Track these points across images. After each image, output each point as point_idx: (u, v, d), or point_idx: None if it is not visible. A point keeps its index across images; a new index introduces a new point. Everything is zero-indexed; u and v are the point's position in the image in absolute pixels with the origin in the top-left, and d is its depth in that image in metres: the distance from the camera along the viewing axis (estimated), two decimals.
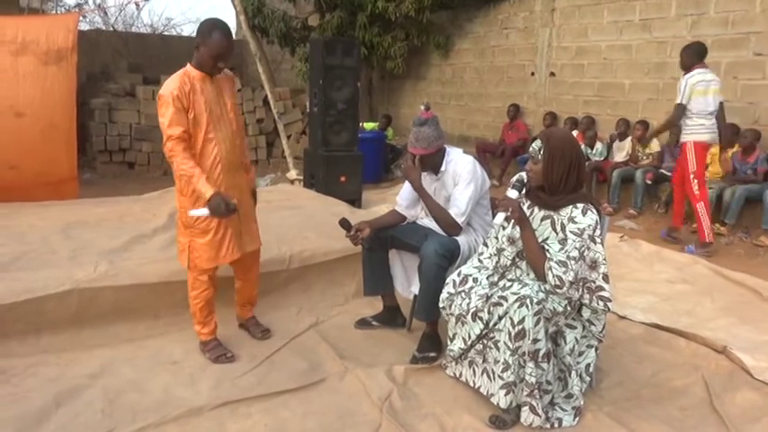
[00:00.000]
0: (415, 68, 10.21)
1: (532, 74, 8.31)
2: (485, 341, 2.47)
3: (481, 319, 2.45)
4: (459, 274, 2.66)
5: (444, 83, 9.97)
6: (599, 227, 2.40)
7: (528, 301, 2.28)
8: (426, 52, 9.98)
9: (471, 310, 2.48)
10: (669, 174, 6.22)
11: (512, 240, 2.57)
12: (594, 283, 2.41)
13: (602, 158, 6.87)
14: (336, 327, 3.33)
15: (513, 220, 2.49)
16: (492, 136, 8.68)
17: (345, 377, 2.73)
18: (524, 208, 2.53)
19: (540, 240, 2.43)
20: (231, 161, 2.79)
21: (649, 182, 6.18)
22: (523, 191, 2.52)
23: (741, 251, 5.12)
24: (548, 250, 2.40)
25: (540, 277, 2.40)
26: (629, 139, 6.76)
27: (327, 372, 2.79)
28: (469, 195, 2.92)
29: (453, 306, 2.58)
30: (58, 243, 3.61)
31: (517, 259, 2.56)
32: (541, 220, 2.48)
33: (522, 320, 2.29)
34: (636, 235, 5.56)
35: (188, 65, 2.71)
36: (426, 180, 3.09)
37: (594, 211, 2.40)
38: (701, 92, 4.89)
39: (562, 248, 2.37)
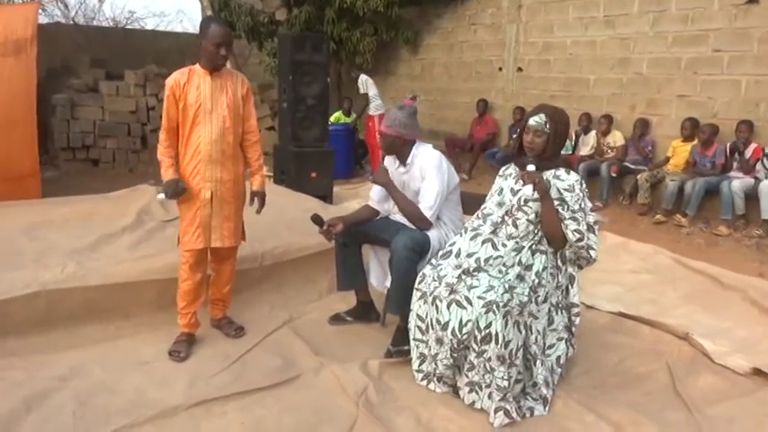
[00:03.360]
0: (384, 63, 10.22)
1: (500, 69, 8.42)
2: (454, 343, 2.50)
3: (437, 308, 2.49)
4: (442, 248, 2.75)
5: (413, 78, 10.01)
6: (584, 184, 2.59)
7: (494, 306, 2.34)
8: (395, 47, 10.01)
9: (434, 294, 2.52)
10: (633, 167, 6.40)
11: (500, 204, 2.66)
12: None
13: (569, 153, 7.01)
14: (310, 323, 3.34)
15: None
16: (461, 131, 8.77)
17: (320, 373, 2.75)
18: (510, 172, 2.72)
19: (525, 197, 2.56)
20: (213, 155, 2.85)
21: (614, 174, 6.35)
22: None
23: (701, 241, 5.31)
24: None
25: (558, 241, 2.56)
26: (593, 132, 6.92)
27: (302, 368, 2.80)
28: (437, 189, 2.95)
29: (423, 283, 2.61)
30: (22, 244, 3.53)
31: (506, 217, 2.61)
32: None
33: (488, 325, 2.35)
34: (602, 227, 5.69)
35: (197, 64, 2.89)
36: (395, 173, 3.13)
37: (576, 173, 2.59)
38: None
39: (563, 209, 2.51)
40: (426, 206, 2.96)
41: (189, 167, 2.86)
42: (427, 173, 2.98)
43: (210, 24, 2.83)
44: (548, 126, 2.55)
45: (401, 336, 2.99)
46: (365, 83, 8.20)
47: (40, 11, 8.79)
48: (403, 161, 3.07)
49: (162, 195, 2.93)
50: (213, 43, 2.77)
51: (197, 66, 2.87)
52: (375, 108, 8.13)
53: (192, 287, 2.94)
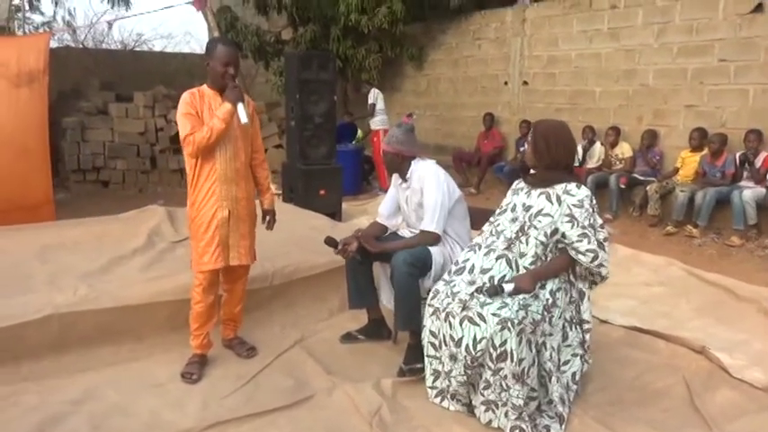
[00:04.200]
0: (390, 80, 10.29)
1: (506, 83, 8.45)
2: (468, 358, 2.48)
3: (450, 324, 2.47)
4: (456, 263, 2.73)
5: (419, 94, 10.06)
6: (594, 199, 2.57)
7: (509, 324, 2.32)
8: (400, 64, 10.08)
9: (447, 310, 2.50)
10: (642, 178, 6.38)
11: (514, 220, 2.64)
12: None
13: (576, 165, 7.00)
14: (322, 342, 3.33)
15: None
16: (468, 145, 8.78)
17: (333, 393, 2.73)
18: (521, 186, 2.71)
19: (536, 211, 2.55)
20: (228, 174, 2.88)
21: (623, 186, 6.33)
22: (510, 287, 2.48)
23: (713, 252, 5.26)
24: (566, 242, 2.52)
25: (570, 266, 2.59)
26: (598, 144, 6.91)
27: (315, 388, 2.79)
28: (436, 201, 2.98)
29: (436, 299, 2.60)
30: (34, 267, 3.55)
31: (519, 233, 2.59)
32: (538, 196, 2.60)
33: (504, 343, 2.33)
34: (612, 239, 5.66)
35: (203, 85, 2.91)
36: (399, 189, 3.23)
37: (587, 188, 2.57)
38: None
39: (573, 226, 2.48)
40: (428, 221, 2.99)
41: (204, 188, 2.86)
42: (425, 186, 3.03)
43: (218, 45, 2.87)
44: (530, 135, 2.64)
45: (412, 353, 2.98)
46: (376, 96, 8.26)
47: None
48: (404, 177, 3.15)
49: (241, 112, 2.79)
50: (221, 63, 2.80)
51: (204, 87, 2.90)
52: (380, 122, 8.17)
53: (205, 309, 2.94)
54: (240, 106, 2.80)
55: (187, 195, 2.94)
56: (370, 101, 8.31)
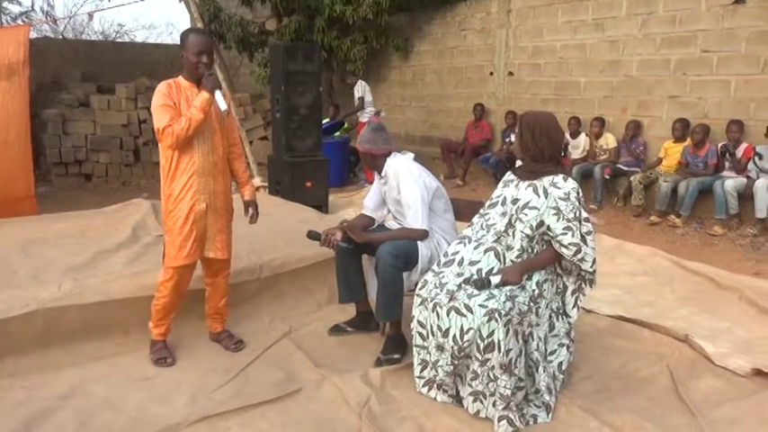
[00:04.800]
0: (375, 71, 10.25)
1: (491, 74, 8.46)
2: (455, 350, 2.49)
3: (438, 314, 2.48)
4: (446, 255, 2.73)
5: (405, 84, 10.04)
6: (580, 192, 2.58)
7: (496, 315, 2.34)
8: (386, 54, 10.04)
9: (434, 300, 2.51)
10: (626, 168, 6.44)
11: (503, 214, 2.64)
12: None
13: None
14: (310, 334, 3.33)
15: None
16: (454, 136, 8.79)
17: (322, 385, 2.74)
18: (511, 179, 2.71)
19: (523, 204, 2.56)
20: (206, 167, 2.85)
21: (607, 176, 6.39)
22: (497, 279, 2.51)
23: (696, 241, 5.34)
24: (551, 235, 2.52)
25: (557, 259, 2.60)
26: (583, 135, 6.96)
27: (304, 380, 2.79)
28: (415, 196, 2.97)
29: (424, 289, 2.60)
30: (17, 262, 3.50)
31: (508, 227, 2.60)
32: (526, 188, 2.61)
33: (491, 334, 2.35)
34: (597, 229, 5.70)
35: (179, 76, 2.85)
36: (379, 185, 3.26)
37: (574, 181, 2.58)
38: None
39: (558, 219, 2.49)
40: (411, 217, 2.99)
41: (181, 181, 2.82)
42: (401, 183, 3.04)
43: (189, 34, 2.82)
44: (517, 129, 2.67)
45: (391, 344, 3.02)
46: (363, 88, 8.24)
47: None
48: (380, 173, 3.18)
49: (219, 99, 2.77)
50: (194, 53, 2.75)
51: (180, 78, 2.85)
52: (369, 114, 8.16)
53: (171, 302, 2.94)
54: (218, 94, 2.77)
55: (161, 189, 2.89)
56: (358, 94, 8.30)
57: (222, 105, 2.78)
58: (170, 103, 2.75)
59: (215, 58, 2.94)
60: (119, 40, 14.61)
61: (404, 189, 3.01)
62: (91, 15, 10.25)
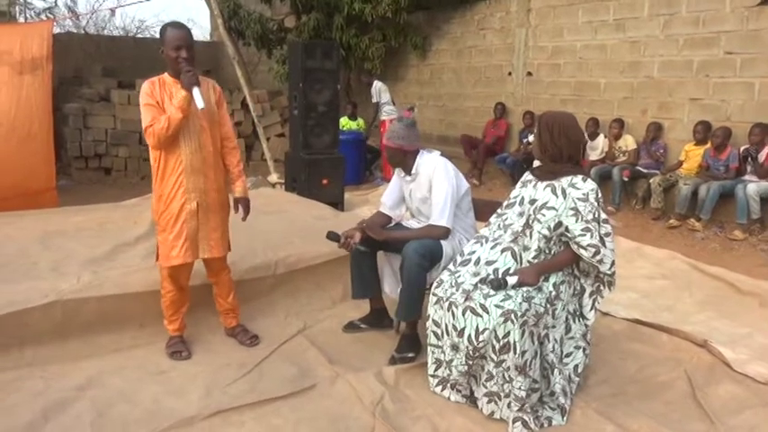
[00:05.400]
0: (393, 69, 10.23)
1: (509, 74, 8.40)
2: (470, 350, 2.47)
3: (453, 314, 2.47)
4: (462, 254, 2.71)
5: (422, 83, 10.02)
6: (599, 193, 2.55)
7: (513, 316, 2.32)
8: (404, 53, 10.02)
9: (450, 299, 2.50)
10: (645, 171, 6.36)
11: (521, 214, 2.62)
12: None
13: None
14: (325, 331, 3.33)
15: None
16: (472, 134, 8.74)
17: (336, 382, 2.74)
18: (530, 179, 2.68)
19: (541, 204, 2.54)
20: (194, 165, 2.82)
21: (626, 179, 6.31)
22: (513, 280, 2.49)
23: (716, 245, 5.25)
24: (569, 236, 2.49)
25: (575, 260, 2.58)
26: (601, 137, 6.89)
27: (318, 377, 2.79)
28: (446, 193, 2.95)
29: (440, 288, 2.59)
30: (37, 254, 3.55)
31: (525, 228, 2.59)
32: (544, 188, 2.58)
33: (507, 335, 2.33)
34: (615, 231, 5.64)
35: (164, 73, 2.81)
36: (402, 182, 3.19)
37: (593, 182, 2.54)
38: None
39: (577, 220, 2.46)
40: (437, 214, 2.96)
41: (170, 180, 2.79)
42: (434, 180, 3.00)
43: (167, 29, 2.75)
44: (536, 129, 2.64)
45: (406, 342, 3.01)
46: (378, 91, 8.23)
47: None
48: (408, 171, 3.12)
49: (196, 96, 2.68)
50: (172, 47, 2.70)
51: (165, 75, 2.80)
52: (387, 113, 8.17)
53: (178, 296, 2.96)
54: (195, 91, 2.67)
55: (153, 188, 2.86)
56: (375, 99, 8.27)
57: (200, 104, 2.68)
58: (152, 102, 2.70)
59: (234, 55, 2.93)
60: (139, 35, 14.76)
61: (436, 185, 2.98)
62: (113, 11, 10.35)
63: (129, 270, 3.29)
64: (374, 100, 8.32)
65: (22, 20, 11.78)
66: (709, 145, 5.87)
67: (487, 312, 2.37)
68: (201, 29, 17.06)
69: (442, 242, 2.96)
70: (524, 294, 2.41)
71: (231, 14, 9.39)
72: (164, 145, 2.73)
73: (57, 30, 12.57)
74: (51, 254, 3.55)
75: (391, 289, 3.24)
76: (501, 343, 2.34)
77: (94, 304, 3.03)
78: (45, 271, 3.27)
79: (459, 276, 2.59)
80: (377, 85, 8.34)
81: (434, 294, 2.60)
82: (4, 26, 7.73)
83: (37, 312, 2.88)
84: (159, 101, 2.73)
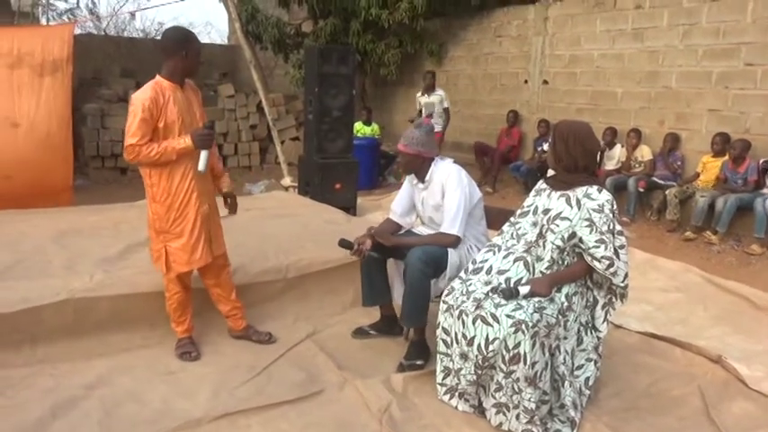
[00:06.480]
0: (409, 75, 10.23)
1: (525, 81, 8.37)
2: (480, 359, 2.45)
3: (463, 322, 2.44)
4: (474, 262, 2.69)
5: None
6: (614, 204, 2.51)
7: (523, 326, 2.29)
8: (420, 59, 10.02)
9: (460, 308, 2.48)
10: (661, 182, 6.29)
11: (535, 224, 2.61)
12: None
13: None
14: (334, 336, 3.32)
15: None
16: (486, 142, 8.70)
17: (344, 388, 2.73)
18: (543, 188, 2.66)
19: (554, 214, 2.51)
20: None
21: (642, 189, 6.25)
22: (525, 290, 2.47)
23: (733, 259, 5.17)
24: (583, 247, 2.47)
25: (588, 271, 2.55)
26: (618, 147, 6.83)
27: (326, 382, 2.78)
28: (459, 202, 2.94)
29: (451, 296, 2.57)
30: (52, 252, 3.58)
31: (539, 238, 2.57)
32: (558, 198, 2.56)
33: (517, 345, 2.30)
34: (629, 243, 5.59)
35: (157, 76, 2.76)
36: (414, 189, 3.17)
37: (608, 193, 2.51)
38: None
39: (591, 231, 2.43)
40: (449, 222, 2.94)
41: (182, 186, 2.79)
42: (447, 188, 2.98)
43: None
44: (551, 138, 2.62)
45: (414, 350, 2.99)
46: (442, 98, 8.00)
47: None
48: (422, 178, 3.09)
49: (202, 158, 2.72)
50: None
51: (161, 79, 2.74)
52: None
53: (184, 296, 2.99)
54: (204, 153, 2.72)
55: (154, 197, 2.80)
56: (445, 105, 8.03)
57: (201, 167, 2.73)
58: (148, 117, 2.63)
59: (251, 59, 2.97)
60: (158, 38, 14.92)
61: (449, 193, 2.96)
62: (133, 14, 10.48)
63: (141, 270, 3.31)
64: (436, 109, 8.04)
65: (44, 21, 11.96)
66: (727, 157, 5.79)
67: (498, 322, 2.35)
68: (219, 32, 17.23)
69: (449, 250, 2.94)
70: (536, 305, 2.38)
71: (249, 18, 9.46)
72: (141, 165, 2.76)
73: (77, 30, 12.76)
74: (66, 252, 3.58)
75: (400, 296, 3.22)
76: (511, 353, 2.32)
77: (106, 303, 3.05)
78: (59, 269, 3.29)
79: (470, 285, 2.57)
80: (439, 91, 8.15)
81: (444, 302, 2.58)
82: (26, 28, 7.86)
83: (49, 310, 2.90)
84: (157, 116, 2.67)
